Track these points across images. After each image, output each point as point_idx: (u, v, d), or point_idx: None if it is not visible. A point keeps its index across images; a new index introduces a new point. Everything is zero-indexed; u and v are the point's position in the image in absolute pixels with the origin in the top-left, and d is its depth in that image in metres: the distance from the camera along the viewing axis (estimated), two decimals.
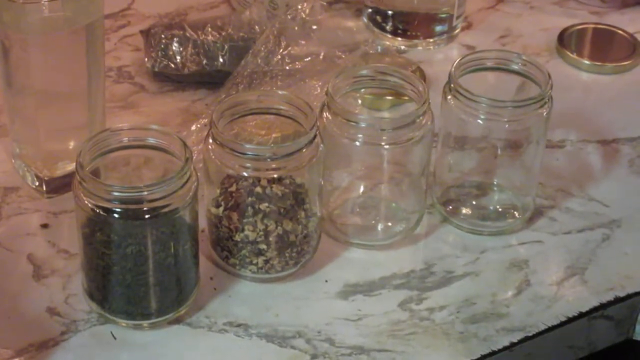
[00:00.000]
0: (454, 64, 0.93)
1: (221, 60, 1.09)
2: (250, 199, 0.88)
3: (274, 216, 0.88)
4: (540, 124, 0.94)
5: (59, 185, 0.98)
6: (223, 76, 1.07)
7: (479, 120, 0.92)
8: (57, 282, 0.90)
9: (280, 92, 0.91)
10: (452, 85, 0.92)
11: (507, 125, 0.93)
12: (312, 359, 0.85)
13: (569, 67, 1.18)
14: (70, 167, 0.97)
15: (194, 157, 0.87)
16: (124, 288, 0.84)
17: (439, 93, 0.95)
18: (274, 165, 0.86)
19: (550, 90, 0.92)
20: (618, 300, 0.92)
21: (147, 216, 0.82)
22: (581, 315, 0.91)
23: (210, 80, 1.09)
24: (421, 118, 0.90)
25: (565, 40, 1.20)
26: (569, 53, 1.18)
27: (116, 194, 0.81)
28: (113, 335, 0.86)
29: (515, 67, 0.95)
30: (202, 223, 0.90)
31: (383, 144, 0.90)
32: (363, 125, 0.89)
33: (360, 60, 1.11)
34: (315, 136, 0.87)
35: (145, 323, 0.86)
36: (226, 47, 1.09)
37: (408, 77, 0.93)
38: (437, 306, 0.90)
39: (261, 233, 0.88)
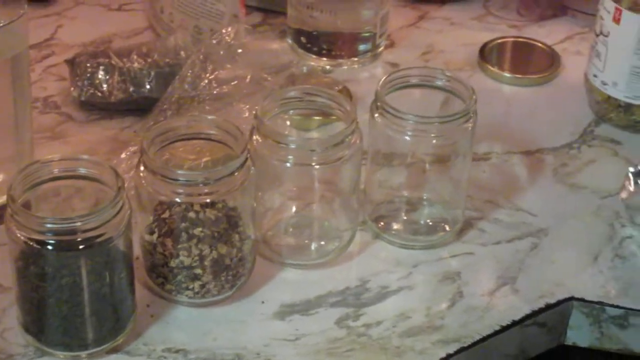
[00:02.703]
0: (380, 82, 0.95)
1: (148, 86, 1.09)
2: (183, 224, 0.88)
3: (208, 240, 0.88)
4: (466, 138, 0.95)
5: None
6: (150, 103, 1.07)
7: (407, 137, 0.94)
8: None
9: (209, 116, 0.92)
10: (378, 103, 0.94)
11: (434, 141, 0.95)
12: None
13: (491, 80, 1.20)
14: (1, 200, 0.97)
15: (125, 185, 0.87)
16: (60, 320, 0.84)
17: (366, 111, 0.97)
18: (206, 190, 0.87)
19: (474, 105, 0.94)
20: (549, 307, 0.94)
21: (81, 247, 0.82)
22: (514, 323, 0.92)
23: (138, 107, 1.09)
24: (350, 137, 0.91)
25: (486, 54, 1.22)
26: (490, 67, 1.20)
27: (49, 225, 0.81)
28: None
29: (439, 83, 0.97)
30: (136, 250, 0.91)
31: (313, 164, 0.91)
32: (293, 147, 0.90)
33: (287, 82, 1.12)
34: (246, 159, 0.88)
35: (83, 354, 0.86)
36: (152, 73, 1.09)
37: (335, 97, 0.94)
38: (374, 322, 0.91)
39: (196, 258, 0.89)
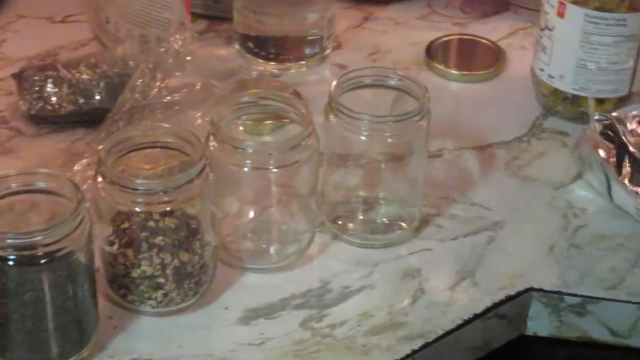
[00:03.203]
0: (333, 84, 0.95)
1: (98, 97, 1.08)
2: (144, 234, 0.88)
3: (170, 249, 0.88)
4: (421, 135, 0.96)
5: None
6: (101, 114, 1.07)
7: (362, 137, 0.95)
8: None
9: (165, 125, 0.92)
10: (333, 104, 0.94)
11: (389, 140, 0.95)
12: None
13: (438, 78, 1.21)
14: None
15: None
16: (24, 335, 0.83)
17: (316, 113, 0.97)
18: (166, 199, 0.87)
19: (428, 103, 0.95)
20: (509, 298, 0.95)
21: (42, 261, 0.81)
22: (476, 316, 0.94)
23: (89, 118, 1.08)
24: (307, 140, 0.92)
25: (432, 52, 1.23)
26: (436, 65, 1.22)
27: (9, 241, 0.80)
28: None
29: (392, 82, 0.97)
30: (96, 262, 0.90)
31: (271, 167, 0.91)
32: (250, 151, 0.91)
33: (237, 88, 1.12)
34: (204, 166, 0.88)
35: None
36: (102, 84, 1.08)
37: (290, 101, 0.94)
38: (338, 322, 0.92)
39: (158, 267, 0.88)
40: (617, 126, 1.04)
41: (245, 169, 0.91)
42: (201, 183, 0.88)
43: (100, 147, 0.88)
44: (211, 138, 0.92)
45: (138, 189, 0.86)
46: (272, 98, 0.95)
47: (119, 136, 0.89)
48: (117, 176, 0.86)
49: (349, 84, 0.96)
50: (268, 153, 0.91)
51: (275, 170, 0.92)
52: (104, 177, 0.87)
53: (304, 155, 0.92)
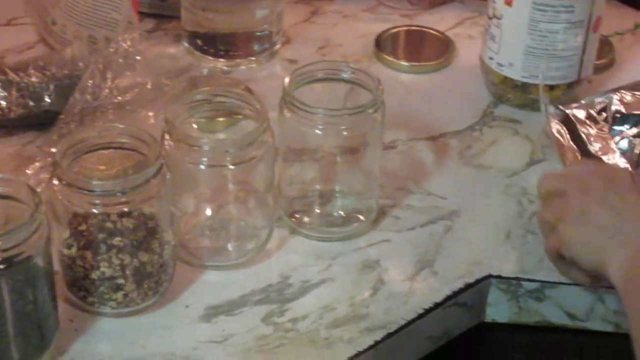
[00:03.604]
0: (287, 79, 0.95)
1: (48, 100, 1.07)
2: (101, 235, 0.87)
3: (128, 249, 0.88)
4: (376, 128, 0.97)
5: None
6: (52, 116, 1.06)
7: (317, 131, 0.95)
8: None
9: (120, 125, 0.91)
10: (287, 99, 0.94)
11: (344, 133, 0.95)
12: None
13: (389, 70, 1.22)
14: None
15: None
16: None
17: (268, 109, 0.96)
18: (123, 199, 0.86)
19: (382, 95, 0.96)
20: (468, 286, 0.96)
21: (0, 267, 0.80)
22: (436, 305, 0.94)
23: (39, 121, 1.07)
24: (262, 135, 0.91)
25: (382, 44, 1.24)
26: (386, 56, 1.22)
27: None
28: None
29: (345, 76, 0.98)
30: (55, 265, 0.89)
31: (227, 164, 0.91)
32: (206, 149, 0.90)
33: (188, 85, 1.11)
34: (161, 166, 0.87)
35: None
36: (51, 86, 1.07)
37: (244, 97, 0.94)
38: (300, 316, 0.92)
39: (117, 268, 0.88)
40: (572, 119, 1.05)
41: (202, 167, 0.91)
42: (158, 183, 0.87)
43: (55, 149, 0.87)
44: (166, 137, 0.91)
45: (95, 191, 0.85)
46: (225, 95, 0.95)
47: (74, 138, 0.88)
48: (73, 178, 0.85)
49: (303, 79, 0.96)
50: (224, 150, 0.91)
51: (232, 167, 0.92)
52: (59, 180, 0.86)
53: (260, 151, 0.92)
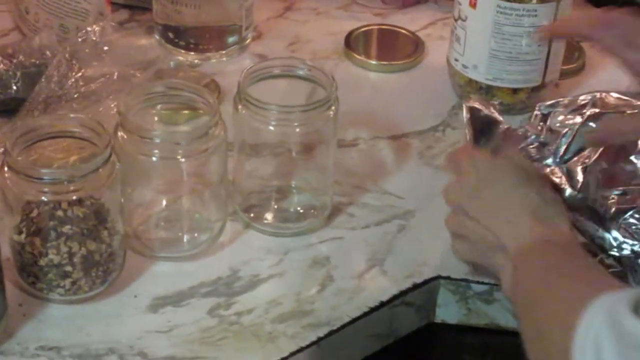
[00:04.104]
0: (242, 74, 0.96)
1: (14, 87, 1.09)
2: (52, 222, 0.89)
3: (77, 238, 0.89)
4: (329, 125, 0.97)
5: None
6: (18, 103, 1.07)
7: (271, 127, 0.96)
8: None
9: (72, 115, 0.93)
10: (241, 95, 0.95)
11: (297, 129, 0.96)
12: None
13: (358, 68, 1.22)
14: None
15: None
16: None
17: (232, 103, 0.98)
18: (72, 188, 0.87)
19: (335, 92, 0.96)
20: (416, 286, 0.97)
21: None
22: (382, 304, 0.95)
23: (5, 108, 1.09)
24: (214, 129, 0.93)
25: (352, 42, 1.24)
26: (356, 55, 1.23)
27: None
28: None
29: (301, 72, 0.99)
30: (7, 251, 0.91)
31: (179, 157, 0.92)
32: (158, 141, 0.92)
33: (155, 78, 1.13)
34: (110, 155, 0.88)
35: None
36: (18, 74, 1.09)
37: (198, 91, 0.95)
38: (245, 310, 0.93)
39: (65, 255, 0.89)
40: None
41: (154, 159, 0.92)
42: (107, 172, 0.88)
43: (8, 136, 0.88)
44: (119, 128, 0.92)
45: (43, 179, 0.86)
46: (181, 88, 0.96)
47: (25, 126, 0.89)
48: (22, 166, 0.86)
49: (258, 74, 0.97)
50: (175, 143, 0.92)
51: (183, 159, 0.93)
52: (10, 167, 0.87)
53: (212, 144, 0.93)
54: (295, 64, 0.99)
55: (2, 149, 1.01)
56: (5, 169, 0.88)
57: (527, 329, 0.80)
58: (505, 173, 0.90)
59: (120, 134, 0.92)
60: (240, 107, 0.96)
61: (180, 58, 1.21)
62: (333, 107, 0.97)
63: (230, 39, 1.21)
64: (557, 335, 0.74)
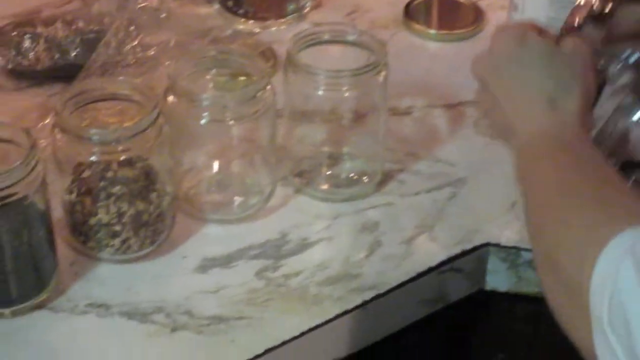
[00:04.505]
0: (291, 40, 0.97)
1: (74, 53, 1.11)
2: (102, 183, 0.90)
3: (126, 198, 0.91)
4: (379, 90, 0.97)
5: None
6: (77, 69, 1.09)
7: (320, 92, 0.96)
8: None
9: (121, 78, 0.94)
10: (290, 60, 0.96)
11: (347, 94, 0.97)
12: (172, 331, 0.88)
13: (416, 38, 1.22)
14: None
15: (43, 146, 0.90)
16: None
17: None
18: (120, 148, 0.89)
19: (385, 57, 0.96)
20: (465, 253, 0.97)
21: None
22: (430, 270, 0.95)
23: (65, 74, 1.11)
24: (262, 92, 0.93)
25: (412, 12, 1.24)
26: (415, 24, 1.22)
27: None
28: None
29: (350, 38, 0.99)
30: (60, 212, 0.93)
31: (227, 120, 0.93)
32: (206, 104, 0.93)
33: (211, 45, 1.14)
34: (157, 116, 0.90)
35: (7, 311, 0.88)
36: (77, 40, 1.11)
37: (247, 55, 0.96)
38: (292, 272, 0.94)
39: (114, 215, 0.91)
40: None
41: (202, 122, 0.93)
42: (155, 133, 0.90)
43: (59, 99, 0.90)
44: (169, 92, 0.94)
45: (92, 139, 0.88)
46: (231, 53, 0.96)
47: (76, 89, 0.91)
48: (72, 126, 0.88)
49: (307, 40, 0.98)
50: (223, 105, 0.93)
51: (231, 122, 0.94)
52: (60, 128, 0.89)
53: (260, 108, 0.93)
54: (344, 29, 0.99)
55: None
56: (56, 130, 0.90)
57: (537, 254, 0.78)
58: (534, 56, 0.85)
59: (169, 98, 0.93)
60: (289, 72, 0.96)
61: (240, 27, 1.21)
62: (383, 72, 0.96)
63: (290, 8, 1.22)
64: (573, 269, 0.71)
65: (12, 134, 0.86)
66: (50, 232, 0.89)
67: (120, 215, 0.91)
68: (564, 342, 1.04)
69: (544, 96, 0.83)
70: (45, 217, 0.88)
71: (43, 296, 0.90)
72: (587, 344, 0.69)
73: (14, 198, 0.84)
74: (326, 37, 0.99)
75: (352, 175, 1.03)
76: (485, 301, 1.02)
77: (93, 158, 0.89)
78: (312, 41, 0.98)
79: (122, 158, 0.89)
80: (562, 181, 0.78)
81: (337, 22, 1.18)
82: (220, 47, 0.98)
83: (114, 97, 0.92)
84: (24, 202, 0.85)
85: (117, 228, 0.91)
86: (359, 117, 1.00)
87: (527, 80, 0.84)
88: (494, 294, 1.00)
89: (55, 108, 0.89)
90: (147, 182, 0.91)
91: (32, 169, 0.84)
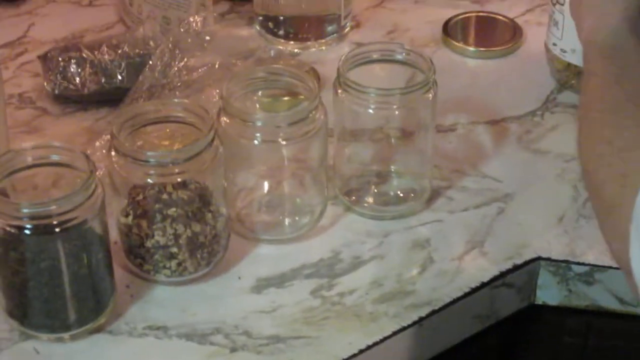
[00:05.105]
0: (341, 59, 0.98)
1: (119, 77, 1.12)
2: (157, 205, 0.91)
3: (182, 219, 0.91)
4: (428, 108, 0.98)
5: None
6: (123, 93, 1.10)
7: (370, 110, 0.97)
8: None
9: (176, 100, 0.95)
10: (341, 79, 0.97)
11: (396, 112, 0.97)
12: (232, 352, 0.89)
13: (456, 55, 1.23)
14: None
15: (101, 173, 0.91)
16: (42, 302, 0.87)
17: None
18: (176, 170, 0.90)
19: (433, 75, 0.97)
20: (516, 267, 0.97)
21: (57, 230, 0.84)
22: (483, 285, 0.95)
23: (111, 98, 1.12)
24: (314, 112, 0.94)
25: (450, 30, 1.25)
26: (454, 42, 1.23)
27: (25, 210, 0.83)
28: (36, 350, 0.89)
29: (399, 57, 1.00)
30: (115, 235, 0.94)
31: (280, 140, 0.94)
32: (259, 124, 0.93)
33: (255, 66, 1.14)
34: (213, 138, 0.90)
35: (66, 335, 0.89)
36: (123, 64, 1.12)
37: (298, 76, 0.97)
38: (347, 290, 0.94)
39: (171, 237, 0.92)
40: None
41: (256, 142, 0.94)
42: (210, 155, 0.90)
43: (114, 122, 0.91)
44: (222, 113, 0.94)
45: (149, 161, 0.89)
46: (281, 73, 0.97)
47: (131, 111, 0.92)
48: (129, 149, 0.89)
49: (357, 59, 0.98)
50: (276, 126, 0.93)
51: (284, 142, 0.94)
52: (117, 151, 0.90)
53: (312, 128, 0.94)
54: (393, 48, 1.00)
55: (109, 135, 1.05)
56: (113, 152, 0.90)
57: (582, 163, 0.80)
58: None
59: (222, 118, 0.94)
60: (339, 91, 0.97)
61: (280, 47, 1.23)
62: (432, 90, 0.97)
63: (329, 28, 1.23)
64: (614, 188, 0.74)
65: (71, 158, 0.87)
66: (108, 255, 0.90)
67: (176, 237, 0.92)
68: (613, 356, 1.05)
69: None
70: (103, 240, 0.89)
71: (101, 320, 0.90)
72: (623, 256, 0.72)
73: (74, 222, 0.85)
74: (375, 56, 0.99)
75: (399, 193, 1.03)
76: (535, 315, 1.02)
77: (149, 180, 0.90)
78: (362, 60, 0.98)
79: (178, 180, 0.90)
80: (603, 97, 0.81)
81: (383, 41, 1.19)
82: (271, 68, 0.99)
83: (167, 120, 0.93)
84: (83, 226, 0.85)
85: (174, 250, 0.92)
86: (406, 135, 1.01)
87: None
88: (544, 307, 1.01)
89: (111, 131, 0.90)
90: (202, 204, 0.92)
91: (92, 194, 0.85)
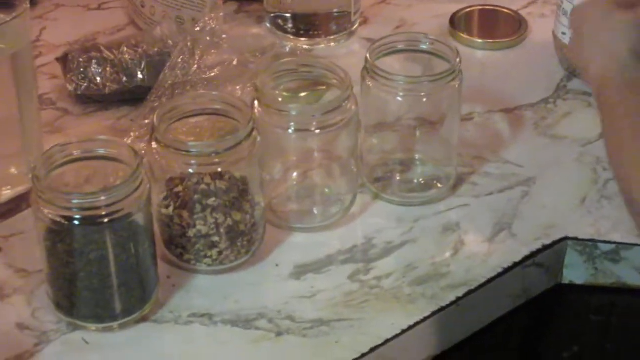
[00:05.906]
0: (369, 49, 1.00)
1: (140, 76, 1.13)
2: (197, 196, 0.92)
3: (222, 209, 0.93)
4: (454, 96, 1.01)
5: (4, 211, 1.01)
6: (144, 91, 1.11)
7: (399, 98, 0.99)
8: (22, 299, 0.93)
9: (213, 92, 0.96)
10: (369, 67, 0.99)
11: (424, 100, 1.00)
12: (277, 336, 0.90)
13: (463, 47, 1.24)
14: (13, 192, 1.01)
15: None
16: (90, 293, 0.88)
17: None
18: (216, 160, 0.91)
19: (459, 64, 0.99)
20: (546, 247, 1.00)
21: (105, 220, 0.85)
22: (515, 265, 0.98)
23: (132, 96, 1.13)
24: (346, 103, 0.96)
25: (456, 23, 1.28)
26: (461, 34, 1.26)
27: (75, 201, 0.84)
28: (85, 341, 0.90)
29: (424, 46, 1.02)
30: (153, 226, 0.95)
31: (313, 129, 0.96)
32: (294, 114, 0.95)
33: (272, 62, 1.16)
34: (252, 129, 0.92)
35: (114, 324, 0.90)
36: (143, 63, 1.13)
37: (329, 67, 0.99)
38: (384, 274, 0.96)
39: (212, 226, 0.93)
40: None
41: (290, 131, 0.96)
42: (249, 145, 0.92)
43: (152, 117, 0.92)
44: (256, 104, 0.96)
45: (191, 151, 0.90)
46: (312, 65, 0.99)
47: (170, 104, 0.93)
48: (170, 140, 0.90)
49: (384, 49, 1.00)
50: (311, 115, 0.95)
51: (317, 131, 0.96)
52: (158, 142, 0.91)
53: (344, 118, 0.96)
54: (418, 38, 1.02)
55: (136, 133, 1.07)
56: (153, 144, 0.92)
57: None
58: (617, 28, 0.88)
59: (256, 109, 0.96)
60: (368, 80, 0.99)
61: (291, 44, 1.24)
62: (458, 78, 0.99)
63: (339, 25, 1.25)
64: None
65: (119, 152, 0.88)
66: (153, 246, 0.91)
67: (217, 226, 0.93)
68: (637, 333, 1.08)
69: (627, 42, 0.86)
70: (149, 231, 0.90)
71: (147, 309, 0.91)
72: None
73: (121, 214, 0.86)
74: (400, 46, 1.02)
75: (423, 180, 1.05)
76: (561, 295, 1.04)
77: (190, 170, 0.91)
78: (388, 50, 1.01)
79: (218, 170, 0.92)
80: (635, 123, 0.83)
81: (409, 31, 1.21)
82: (302, 59, 1.01)
83: (205, 112, 0.95)
84: (129, 217, 0.87)
85: (216, 239, 0.93)
86: (433, 123, 1.03)
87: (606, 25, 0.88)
88: (571, 287, 1.03)
89: (152, 123, 0.92)
90: (239, 193, 0.94)
91: (139, 186, 0.87)
